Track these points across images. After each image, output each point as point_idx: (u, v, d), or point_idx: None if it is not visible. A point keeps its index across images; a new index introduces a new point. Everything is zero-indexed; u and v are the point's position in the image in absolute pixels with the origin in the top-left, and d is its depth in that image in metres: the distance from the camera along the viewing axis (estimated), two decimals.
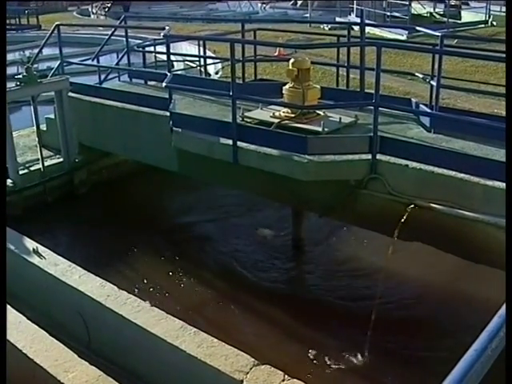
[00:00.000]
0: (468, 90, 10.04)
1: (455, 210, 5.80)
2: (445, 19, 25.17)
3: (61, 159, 9.88)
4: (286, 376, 4.60)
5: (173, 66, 10.06)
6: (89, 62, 11.10)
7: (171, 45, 8.52)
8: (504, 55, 6.78)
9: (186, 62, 13.91)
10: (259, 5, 39.08)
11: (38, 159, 9.58)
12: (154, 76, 10.20)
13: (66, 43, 12.77)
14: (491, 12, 23.95)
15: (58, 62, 10.48)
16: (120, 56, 10.98)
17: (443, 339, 6.38)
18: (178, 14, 28.71)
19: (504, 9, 24.37)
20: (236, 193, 9.22)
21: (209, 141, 7.24)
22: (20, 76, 9.21)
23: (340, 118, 7.22)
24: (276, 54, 15.79)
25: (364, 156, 6.39)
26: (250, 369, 4.65)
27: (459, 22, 25.24)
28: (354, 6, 25.95)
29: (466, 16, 25.76)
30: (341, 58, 9.43)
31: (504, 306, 1.79)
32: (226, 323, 6.78)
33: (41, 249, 6.66)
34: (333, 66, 10.22)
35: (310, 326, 6.77)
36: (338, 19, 24.97)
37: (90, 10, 37.82)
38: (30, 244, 6.76)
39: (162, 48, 11.89)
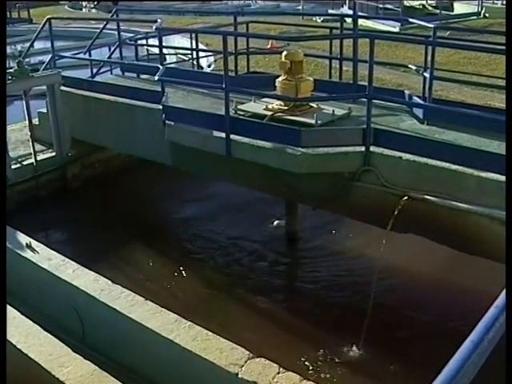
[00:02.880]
0: (461, 81, 10.03)
1: (449, 202, 5.80)
2: (437, 11, 25.23)
3: (53, 153, 9.84)
4: (281, 369, 4.60)
5: (165, 59, 10.03)
6: (81, 55, 11.05)
7: (163, 38, 8.49)
8: (497, 46, 6.81)
9: (179, 55, 13.87)
10: None
11: (31, 153, 9.54)
12: (147, 69, 10.15)
13: (58, 37, 12.68)
14: (483, 4, 23.97)
15: (50, 56, 10.41)
16: (112, 49, 10.94)
17: (440, 330, 6.40)
18: (170, 7, 28.58)
19: (496, 0, 24.44)
20: (232, 185, 9.19)
21: (202, 134, 7.22)
22: (11, 70, 9.16)
23: (333, 111, 7.20)
24: (268, 46, 15.77)
25: (357, 148, 6.37)
26: (245, 362, 4.65)
27: (452, 13, 25.28)
28: None
29: (459, 8, 25.78)
30: (333, 51, 9.42)
31: (500, 297, 1.78)
32: (221, 316, 6.77)
33: (34, 243, 6.64)
34: (325, 58, 10.21)
35: (304, 319, 6.78)
36: (330, 11, 24.93)
37: (80, 3, 37.59)
38: (23, 239, 6.74)
39: (154, 41, 11.87)
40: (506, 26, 6.05)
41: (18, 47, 19.21)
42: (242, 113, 7.44)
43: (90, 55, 10.72)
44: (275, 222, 8.93)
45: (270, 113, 7.23)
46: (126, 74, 10.51)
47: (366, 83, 6.37)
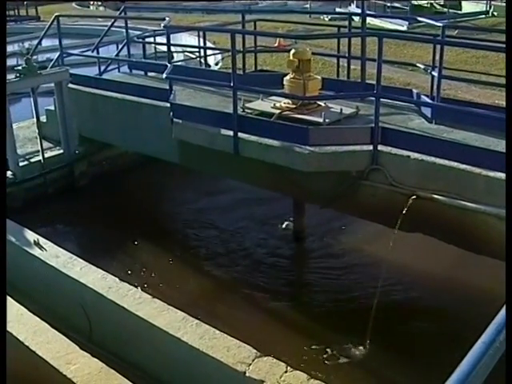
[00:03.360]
0: (469, 80, 10.02)
1: (457, 201, 5.79)
2: (445, 10, 25.15)
3: (61, 151, 9.85)
4: (289, 367, 4.59)
5: (172, 57, 10.04)
6: (88, 53, 11.08)
7: (171, 36, 8.49)
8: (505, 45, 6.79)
9: (186, 53, 13.88)
10: None
11: (38, 151, 9.55)
12: (154, 67, 10.15)
13: (66, 34, 12.68)
14: (492, 2, 23.88)
15: (58, 54, 10.43)
16: (120, 47, 10.95)
17: (446, 330, 6.39)
18: (177, 5, 28.57)
19: None
20: (237, 183, 9.19)
21: (210, 132, 7.23)
22: (19, 67, 9.17)
23: (341, 109, 7.20)
24: (276, 44, 15.76)
25: (365, 147, 6.37)
26: (253, 360, 4.65)
27: (460, 12, 25.18)
28: None
29: (467, 6, 25.69)
30: (341, 49, 9.40)
31: None
32: (228, 315, 6.78)
33: (42, 241, 6.65)
34: (333, 56, 10.18)
35: (311, 318, 6.78)
36: (338, 10, 24.90)
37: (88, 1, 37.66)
38: (31, 236, 6.74)
39: (161, 39, 11.88)
40: (506, 24, 6.03)
41: (26, 45, 19.22)
42: (249, 111, 7.46)
43: (97, 53, 10.75)
44: (284, 224, 8.88)
45: (277, 111, 7.23)
46: (134, 71, 10.55)
47: (374, 82, 6.36)
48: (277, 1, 35.02)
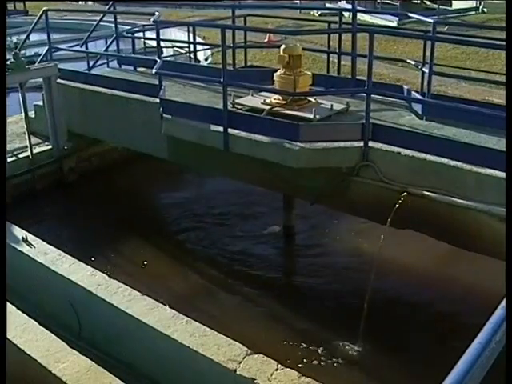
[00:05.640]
0: (459, 76, 10.02)
1: (448, 198, 5.78)
2: (435, 6, 25.18)
3: (50, 146, 9.79)
4: (279, 365, 4.57)
5: (162, 53, 9.98)
6: (77, 48, 11.00)
7: (160, 31, 8.43)
8: (496, 42, 6.80)
9: (176, 49, 13.82)
10: None
11: (27, 146, 9.48)
12: (144, 62, 10.10)
13: (54, 29, 12.61)
14: None
15: (46, 48, 10.35)
16: (109, 42, 10.88)
17: (438, 327, 6.40)
18: (166, 0, 28.43)
19: None
20: (228, 180, 9.15)
21: (199, 128, 7.18)
22: (7, 62, 9.09)
23: (331, 105, 7.18)
24: (266, 40, 15.73)
25: (356, 143, 6.34)
26: (243, 358, 4.63)
27: (450, 8, 25.22)
28: None
29: (457, 3, 25.72)
30: (331, 45, 9.37)
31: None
32: (218, 312, 6.75)
33: (30, 237, 6.60)
34: (324, 52, 10.17)
35: (302, 316, 6.75)
36: (327, 5, 24.83)
37: None
38: (19, 233, 6.69)
39: (151, 34, 11.82)
40: (506, 22, 6.03)
41: (14, 39, 19.08)
42: (239, 107, 7.42)
43: (86, 48, 10.67)
44: (269, 229, 8.84)
45: (268, 107, 7.20)
46: (123, 66, 10.47)
47: (364, 78, 6.34)
48: None
